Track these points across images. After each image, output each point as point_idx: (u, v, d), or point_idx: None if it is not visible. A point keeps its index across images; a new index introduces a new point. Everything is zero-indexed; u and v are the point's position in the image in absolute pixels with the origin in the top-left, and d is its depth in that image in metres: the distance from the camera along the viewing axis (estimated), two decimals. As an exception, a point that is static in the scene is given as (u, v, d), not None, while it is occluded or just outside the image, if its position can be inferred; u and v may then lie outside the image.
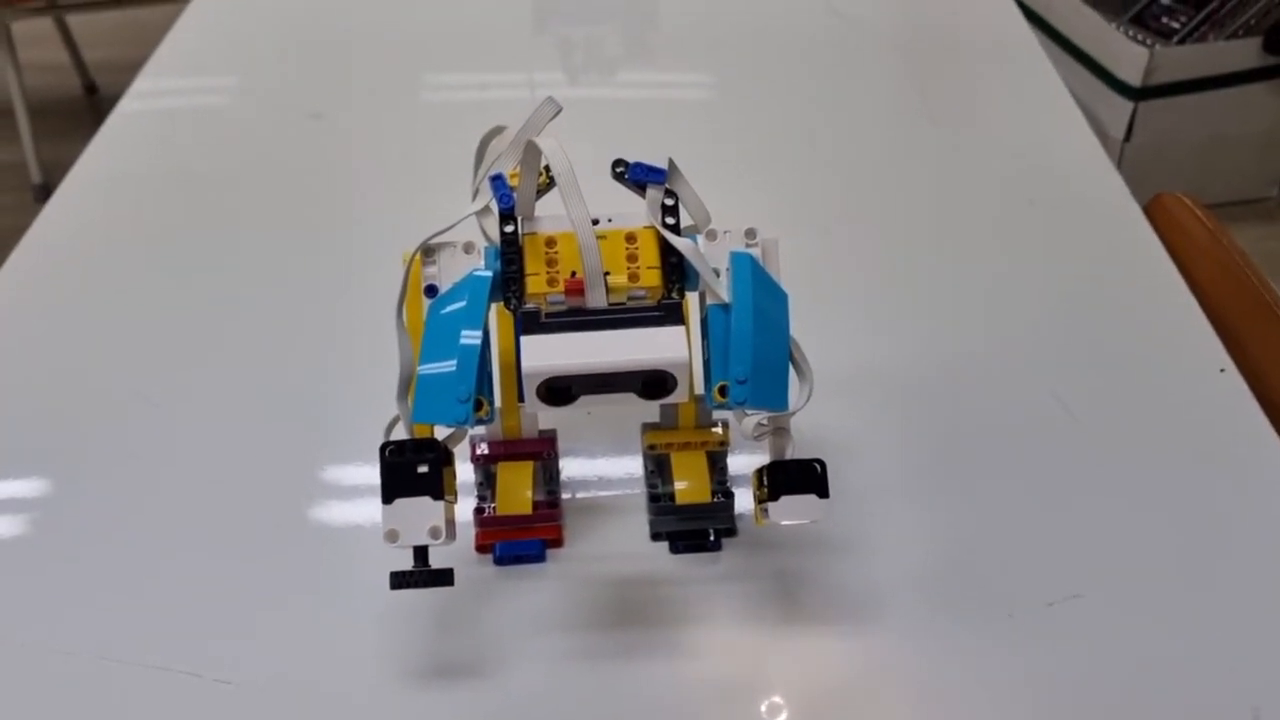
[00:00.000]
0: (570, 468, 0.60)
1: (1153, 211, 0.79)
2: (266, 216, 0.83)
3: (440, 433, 0.48)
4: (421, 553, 0.47)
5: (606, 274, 0.46)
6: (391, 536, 0.46)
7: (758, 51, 1.04)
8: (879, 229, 0.80)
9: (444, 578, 0.47)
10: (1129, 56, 1.75)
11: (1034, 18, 1.75)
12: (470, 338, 0.46)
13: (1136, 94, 1.76)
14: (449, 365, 0.46)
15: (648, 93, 1.01)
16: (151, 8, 2.02)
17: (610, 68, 1.04)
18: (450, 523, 0.47)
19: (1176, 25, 1.83)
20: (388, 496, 0.46)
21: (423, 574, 0.47)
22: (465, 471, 0.56)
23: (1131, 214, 0.79)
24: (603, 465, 0.61)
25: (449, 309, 0.48)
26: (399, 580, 0.47)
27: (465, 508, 0.56)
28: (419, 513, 0.46)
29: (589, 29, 1.09)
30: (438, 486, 0.47)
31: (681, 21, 1.11)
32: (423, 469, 0.47)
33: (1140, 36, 1.79)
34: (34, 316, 0.74)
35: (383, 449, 0.47)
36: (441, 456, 0.47)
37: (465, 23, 1.09)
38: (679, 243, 0.47)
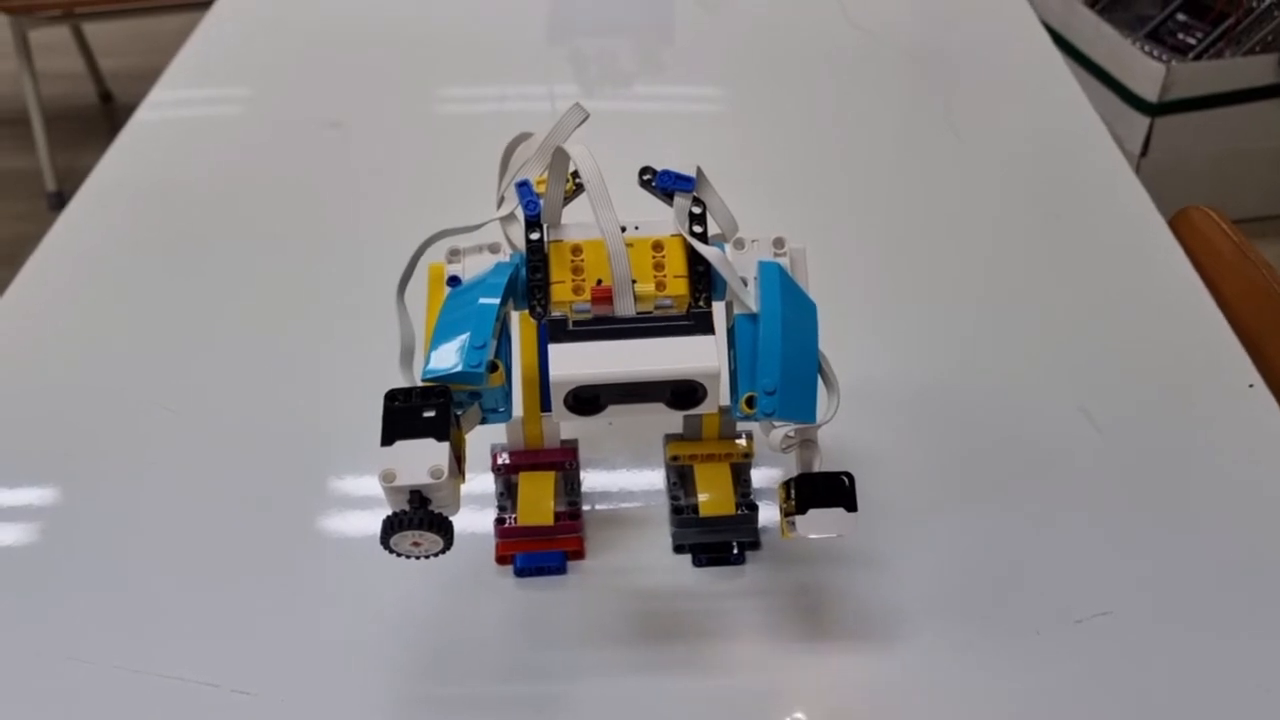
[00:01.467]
0: (591, 478, 0.59)
1: (1178, 226, 0.78)
2: (284, 226, 0.82)
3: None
4: (419, 497, 0.43)
5: (634, 282, 0.46)
6: (388, 476, 0.42)
7: (776, 63, 1.03)
8: (901, 241, 0.79)
9: (441, 525, 0.43)
10: (1146, 72, 1.75)
11: (1051, 33, 1.75)
12: (488, 301, 0.45)
13: (1153, 109, 1.75)
14: (465, 332, 0.45)
15: (663, 105, 1.00)
16: (167, 17, 2.03)
17: (625, 79, 1.04)
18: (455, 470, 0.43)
19: (1193, 41, 1.82)
20: (388, 438, 0.43)
21: (418, 515, 0.42)
22: (486, 481, 0.56)
23: (1157, 228, 0.78)
24: (624, 476, 0.60)
25: (468, 289, 0.47)
26: (391, 524, 0.42)
27: (486, 518, 0.56)
28: (420, 453, 0.43)
29: (604, 41, 1.09)
30: (444, 428, 0.43)
31: (697, 33, 1.10)
32: (429, 413, 0.43)
33: (1157, 52, 1.79)
34: (50, 323, 0.74)
35: (388, 396, 0.44)
36: (450, 400, 0.44)
37: (480, 34, 1.09)
38: (707, 251, 0.47)
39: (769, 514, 0.56)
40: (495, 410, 0.47)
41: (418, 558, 0.44)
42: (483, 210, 0.51)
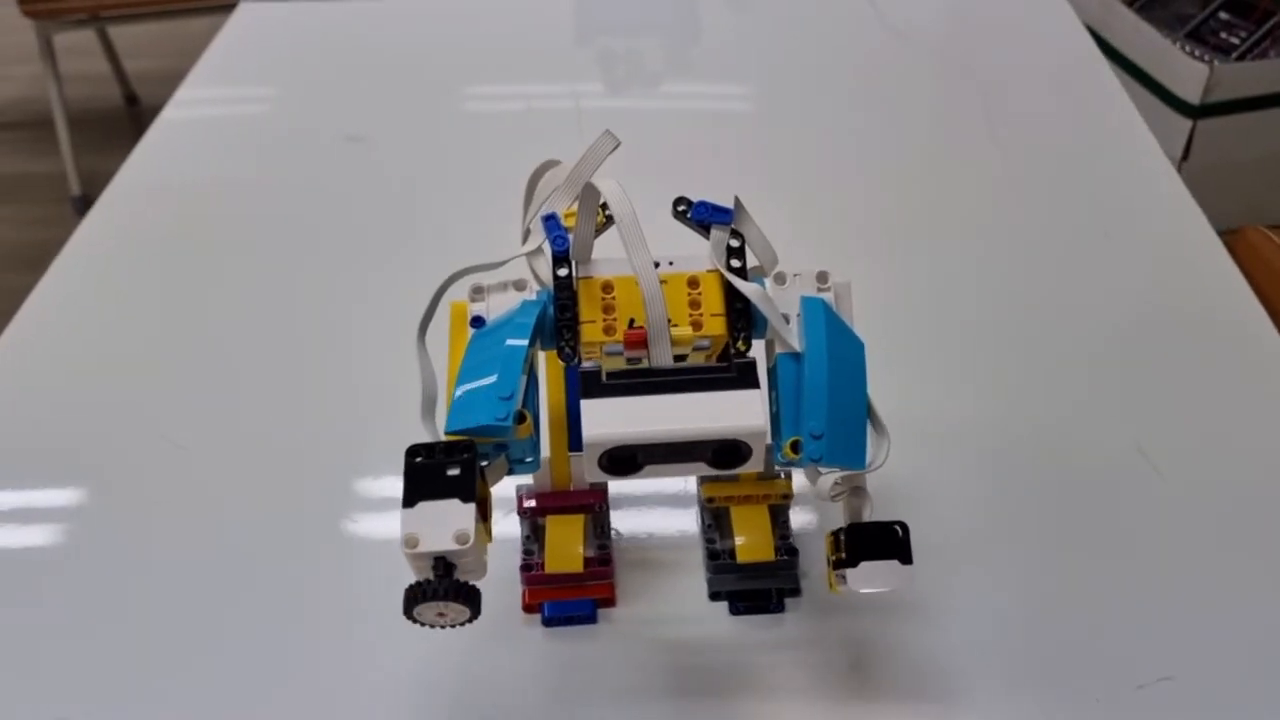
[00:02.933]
0: (621, 520, 0.57)
1: (1235, 246, 0.74)
2: (307, 235, 0.80)
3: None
4: (443, 564, 0.40)
5: (670, 323, 0.43)
6: (410, 542, 0.40)
7: (805, 64, 1.01)
8: (938, 261, 0.76)
9: (468, 596, 0.40)
10: (1188, 73, 1.70)
11: (1088, 33, 1.71)
12: (515, 343, 0.43)
13: (1195, 112, 1.70)
14: (490, 378, 0.42)
15: (690, 104, 0.98)
16: (193, 19, 2.01)
17: (652, 79, 1.01)
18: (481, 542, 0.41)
19: (1236, 41, 1.77)
20: (409, 499, 0.40)
21: (443, 586, 0.39)
22: (511, 524, 0.53)
23: (1213, 250, 0.74)
24: (656, 517, 0.58)
25: (493, 330, 0.45)
26: (415, 594, 0.40)
27: (510, 563, 0.53)
28: (444, 515, 0.40)
29: (630, 41, 1.06)
30: (469, 488, 0.40)
31: (725, 32, 1.08)
32: (453, 471, 0.41)
33: (1198, 52, 1.74)
34: (73, 325, 0.72)
35: (409, 452, 0.41)
36: (475, 456, 0.41)
37: (507, 34, 1.07)
38: (746, 288, 0.44)
39: (808, 559, 0.53)
40: (523, 461, 0.44)
41: (443, 627, 0.41)
42: (510, 238, 0.48)
